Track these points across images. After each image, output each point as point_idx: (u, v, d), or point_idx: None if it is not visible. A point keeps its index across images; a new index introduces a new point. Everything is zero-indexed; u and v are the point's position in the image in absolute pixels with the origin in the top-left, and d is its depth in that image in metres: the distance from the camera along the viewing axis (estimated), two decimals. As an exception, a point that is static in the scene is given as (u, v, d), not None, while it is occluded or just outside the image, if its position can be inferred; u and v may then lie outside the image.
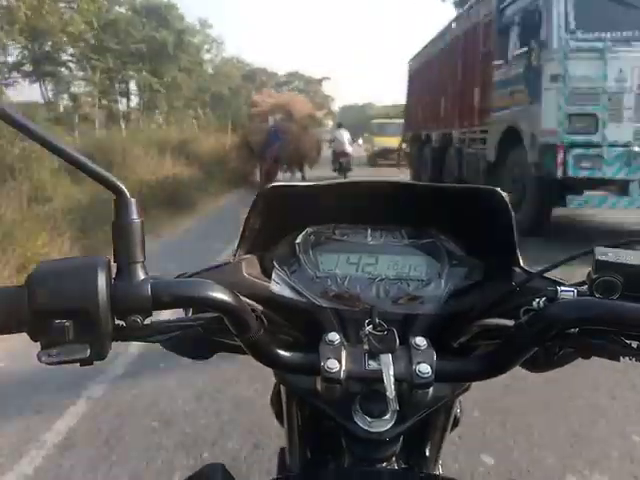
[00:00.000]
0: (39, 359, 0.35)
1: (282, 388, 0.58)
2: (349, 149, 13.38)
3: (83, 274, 0.35)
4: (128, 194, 0.38)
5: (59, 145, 0.36)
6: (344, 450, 0.48)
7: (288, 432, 0.59)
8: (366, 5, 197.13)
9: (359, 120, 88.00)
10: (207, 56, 41.34)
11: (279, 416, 0.62)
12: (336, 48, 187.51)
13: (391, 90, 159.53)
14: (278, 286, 0.56)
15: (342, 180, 0.58)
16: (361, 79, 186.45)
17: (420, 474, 0.55)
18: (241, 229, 0.55)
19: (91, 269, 0.36)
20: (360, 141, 40.82)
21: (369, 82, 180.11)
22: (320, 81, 58.27)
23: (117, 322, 0.37)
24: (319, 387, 0.44)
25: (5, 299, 0.35)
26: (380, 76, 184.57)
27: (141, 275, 0.38)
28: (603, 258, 0.40)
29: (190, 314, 0.45)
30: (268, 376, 0.56)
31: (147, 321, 0.38)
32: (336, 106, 69.02)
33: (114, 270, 0.38)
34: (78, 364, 0.36)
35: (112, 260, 0.38)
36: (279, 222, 0.57)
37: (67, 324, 0.34)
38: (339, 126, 14.43)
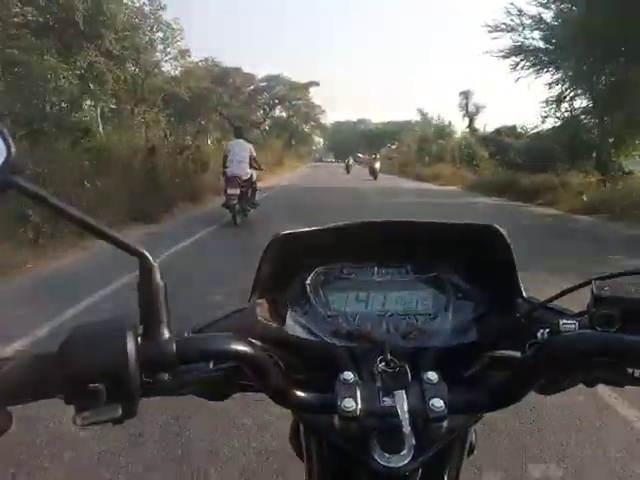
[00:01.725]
0: (74, 422, 0.36)
1: (301, 425, 0.59)
2: (248, 174, 7.81)
3: (112, 338, 0.37)
4: (151, 259, 0.40)
5: (75, 214, 0.37)
6: None
7: (308, 467, 0.59)
8: (353, 10, 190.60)
9: (356, 138, 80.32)
10: (160, 46, 31.01)
11: (298, 452, 0.62)
12: (325, 55, 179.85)
13: (385, 108, 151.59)
14: (291, 327, 0.58)
15: (348, 222, 0.60)
16: (353, 93, 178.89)
17: None
18: (254, 275, 0.58)
19: (119, 332, 0.38)
20: (378, 155, 25.95)
21: (362, 97, 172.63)
22: (307, 86, 48.47)
23: (145, 379, 0.39)
24: (336, 425, 0.45)
25: (40, 366, 0.37)
26: (374, 92, 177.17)
27: (166, 334, 0.40)
28: (600, 293, 0.44)
29: (212, 364, 0.47)
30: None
31: (173, 376, 0.40)
32: (327, 120, 59.75)
33: (140, 329, 0.40)
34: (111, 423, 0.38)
35: (138, 321, 0.40)
36: (290, 265, 0.59)
37: (99, 387, 0.36)
38: (237, 134, 8.41)
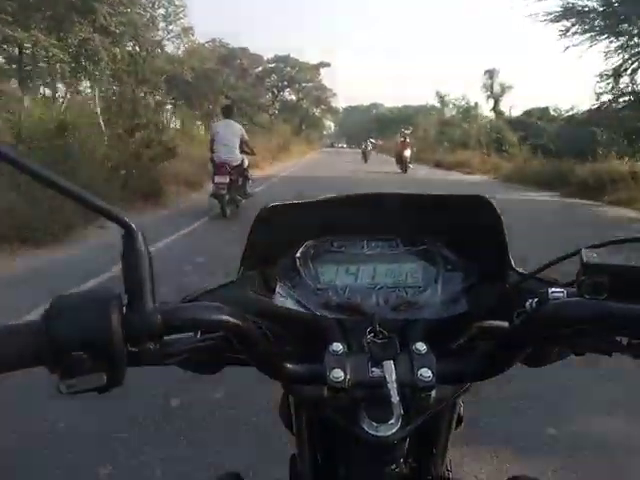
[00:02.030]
0: (58, 390, 0.36)
1: (290, 397, 0.60)
2: (238, 159, 6.56)
3: (97, 307, 0.37)
4: (135, 227, 0.39)
5: (62, 183, 0.36)
6: (353, 454, 0.50)
7: (298, 439, 0.60)
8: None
9: (369, 122, 77.34)
10: (161, 24, 29.09)
11: (288, 425, 0.62)
12: (335, 37, 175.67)
13: (399, 92, 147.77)
14: (281, 300, 0.58)
15: (338, 194, 0.60)
16: (365, 76, 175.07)
17: (429, 477, 0.57)
18: (243, 247, 0.57)
19: (104, 302, 0.37)
20: (407, 138, 17.34)
21: (374, 80, 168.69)
22: (317, 67, 46.15)
23: (131, 349, 0.38)
24: (325, 395, 0.46)
25: (24, 334, 0.37)
26: (387, 75, 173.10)
27: (151, 303, 0.39)
28: (589, 260, 0.42)
29: (199, 335, 0.47)
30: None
31: (159, 346, 0.40)
32: (339, 103, 57.20)
33: (125, 299, 0.40)
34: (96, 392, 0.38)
35: (123, 290, 0.40)
36: (279, 238, 0.59)
37: (84, 356, 0.36)
38: (225, 114, 6.97)
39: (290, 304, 0.57)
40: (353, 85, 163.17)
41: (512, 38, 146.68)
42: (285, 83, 45.62)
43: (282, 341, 0.53)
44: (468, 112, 29.11)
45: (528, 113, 24.65)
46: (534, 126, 22.89)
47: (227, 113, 7.07)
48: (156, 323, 0.38)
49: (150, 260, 0.40)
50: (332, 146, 69.25)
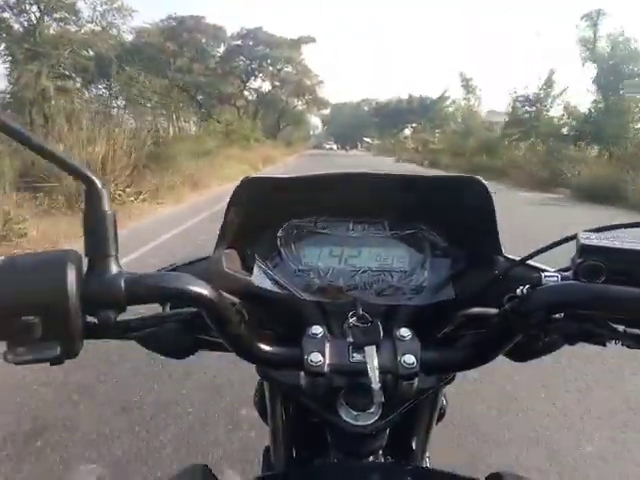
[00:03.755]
0: (5, 358, 0.33)
1: (266, 385, 0.58)
2: None
3: (51, 268, 0.34)
4: (100, 184, 0.36)
5: (22, 132, 0.34)
6: (329, 446, 0.49)
7: (272, 430, 0.58)
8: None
9: (365, 118, 67.15)
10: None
11: (263, 415, 0.61)
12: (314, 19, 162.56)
13: (390, 85, 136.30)
14: (260, 280, 0.56)
15: (324, 172, 0.57)
16: (351, 71, 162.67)
17: (406, 467, 0.55)
18: (221, 222, 0.55)
19: (59, 263, 0.34)
20: None
21: (362, 74, 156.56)
22: (298, 44, 34.60)
23: (89, 319, 0.36)
24: (303, 382, 0.44)
25: None
26: (377, 68, 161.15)
27: (114, 269, 0.36)
28: (587, 242, 0.41)
29: (168, 309, 0.44)
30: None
31: (121, 317, 0.37)
32: (325, 94, 46.03)
33: (86, 264, 0.37)
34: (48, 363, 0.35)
35: (83, 254, 0.37)
36: (260, 215, 0.57)
37: (34, 321, 0.33)
38: None
39: (269, 284, 0.55)
40: (340, 80, 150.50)
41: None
42: (254, 66, 33.97)
43: (258, 322, 0.51)
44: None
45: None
46: None
47: None
48: (119, 290, 0.35)
49: (115, 221, 0.37)
50: (321, 147, 60.56)
